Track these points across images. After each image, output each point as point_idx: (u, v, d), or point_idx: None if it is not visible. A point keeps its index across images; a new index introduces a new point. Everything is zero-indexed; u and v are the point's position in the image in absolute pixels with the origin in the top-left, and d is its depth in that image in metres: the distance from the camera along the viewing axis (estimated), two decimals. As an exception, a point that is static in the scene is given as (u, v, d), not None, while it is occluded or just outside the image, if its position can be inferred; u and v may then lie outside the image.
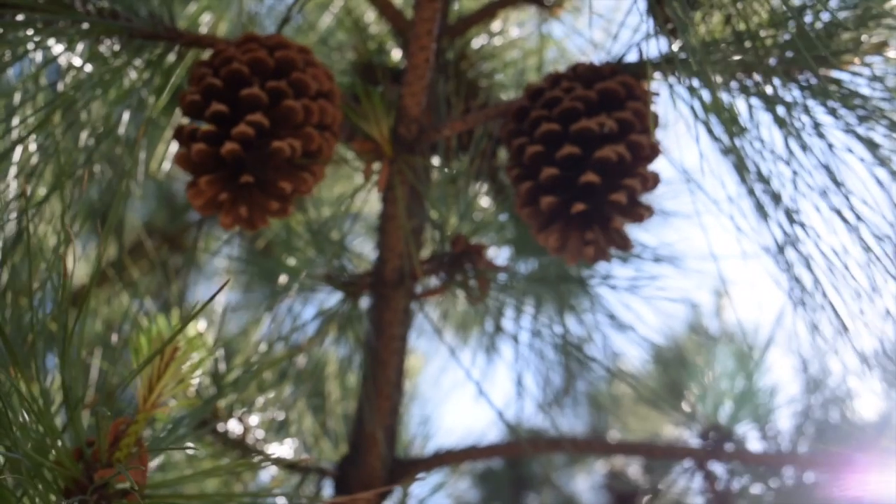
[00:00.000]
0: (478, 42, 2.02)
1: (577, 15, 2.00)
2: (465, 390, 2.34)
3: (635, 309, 2.20)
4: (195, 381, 1.88)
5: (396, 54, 2.06)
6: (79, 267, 2.53)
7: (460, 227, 1.82)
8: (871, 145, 1.49)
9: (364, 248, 2.10)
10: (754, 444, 2.17)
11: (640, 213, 1.47)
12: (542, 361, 2.36)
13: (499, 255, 2.24)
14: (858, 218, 1.54)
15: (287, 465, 2.03)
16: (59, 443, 1.09)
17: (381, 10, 1.90)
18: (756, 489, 2.15)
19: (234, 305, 2.40)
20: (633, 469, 3.42)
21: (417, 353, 3.15)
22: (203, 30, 2.01)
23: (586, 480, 3.83)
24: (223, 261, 2.22)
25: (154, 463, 1.83)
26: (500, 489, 3.64)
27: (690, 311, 2.65)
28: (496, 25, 2.03)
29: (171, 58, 1.62)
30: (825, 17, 1.50)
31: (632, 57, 1.56)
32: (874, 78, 1.47)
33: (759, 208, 1.59)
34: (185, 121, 1.51)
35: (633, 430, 3.52)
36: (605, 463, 3.55)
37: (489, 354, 2.31)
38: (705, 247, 1.62)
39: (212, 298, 1.10)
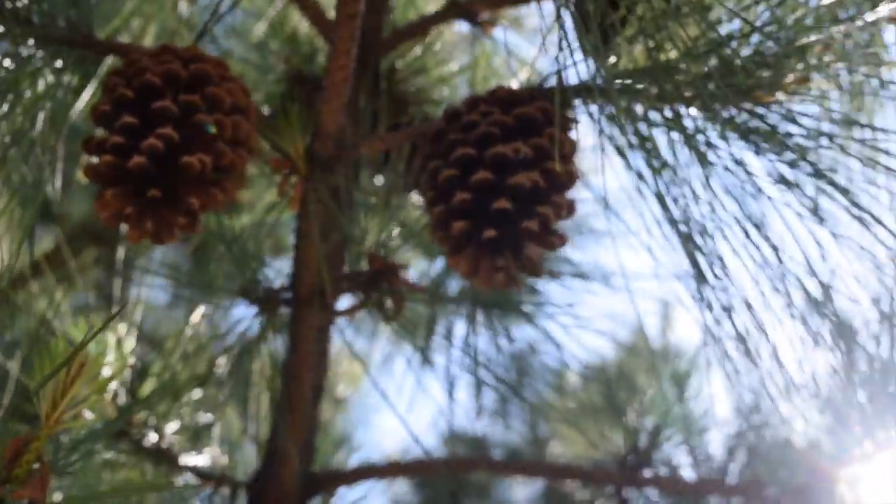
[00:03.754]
0: (409, 57, 2.01)
1: (508, 34, 1.98)
2: (402, 396, 2.32)
3: (564, 326, 2.19)
4: (107, 394, 1.87)
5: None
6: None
7: (391, 238, 1.82)
8: (787, 182, 1.49)
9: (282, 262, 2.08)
10: (678, 469, 2.16)
11: (552, 241, 1.45)
12: (472, 375, 2.35)
13: (431, 267, 2.23)
14: (776, 253, 1.54)
15: (201, 475, 2.02)
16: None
17: (313, 20, 1.88)
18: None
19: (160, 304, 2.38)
20: (571, 483, 3.41)
21: (357, 360, 3.12)
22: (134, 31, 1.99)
23: (524, 490, 3.83)
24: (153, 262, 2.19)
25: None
26: (439, 495, 3.62)
27: (619, 330, 2.65)
28: (428, 41, 2.01)
29: (88, 65, 1.59)
30: (746, 50, 1.49)
31: (553, 82, 1.55)
32: (788, 112, 1.47)
33: (677, 239, 1.59)
34: (100, 131, 1.49)
35: (573, 440, 3.50)
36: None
37: (419, 368, 2.29)
38: (632, 266, 1.62)
39: (111, 318, 1.08)
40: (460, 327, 2.20)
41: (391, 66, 1.98)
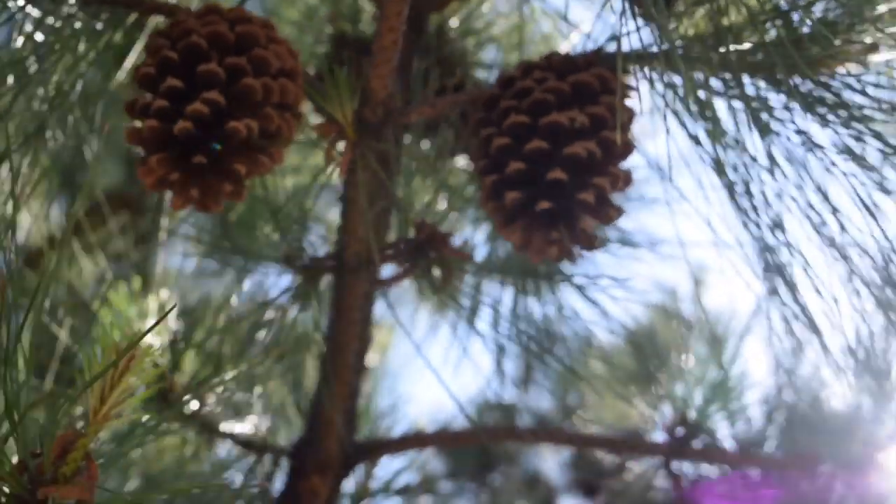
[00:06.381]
0: (457, 18, 1.95)
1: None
2: (441, 361, 2.28)
3: (610, 295, 2.14)
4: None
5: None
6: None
7: (437, 202, 1.78)
8: (851, 152, 1.44)
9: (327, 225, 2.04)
10: (719, 438, 2.12)
11: (608, 213, 1.41)
12: (515, 346, 2.31)
13: (476, 233, 2.18)
14: (842, 227, 1.49)
15: (243, 443, 2.00)
16: (2, 455, 1.04)
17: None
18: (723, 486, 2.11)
19: (198, 272, 2.35)
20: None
21: (386, 327, 3.07)
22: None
23: (554, 458, 3.79)
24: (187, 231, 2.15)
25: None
26: (466, 463, 3.60)
27: (665, 299, 2.59)
28: (476, 1, 1.96)
29: (131, 26, 1.55)
30: (814, 16, 1.43)
31: (610, 48, 1.50)
32: (856, 82, 1.41)
33: (738, 211, 1.54)
34: (142, 94, 1.45)
35: (604, 406, 3.45)
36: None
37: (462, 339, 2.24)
38: (682, 234, 1.58)
39: (159, 322, 1.05)
40: (505, 295, 2.16)
41: (439, 27, 1.92)
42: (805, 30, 1.42)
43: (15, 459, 1.05)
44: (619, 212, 1.42)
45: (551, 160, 1.38)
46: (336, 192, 2.14)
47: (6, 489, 1.04)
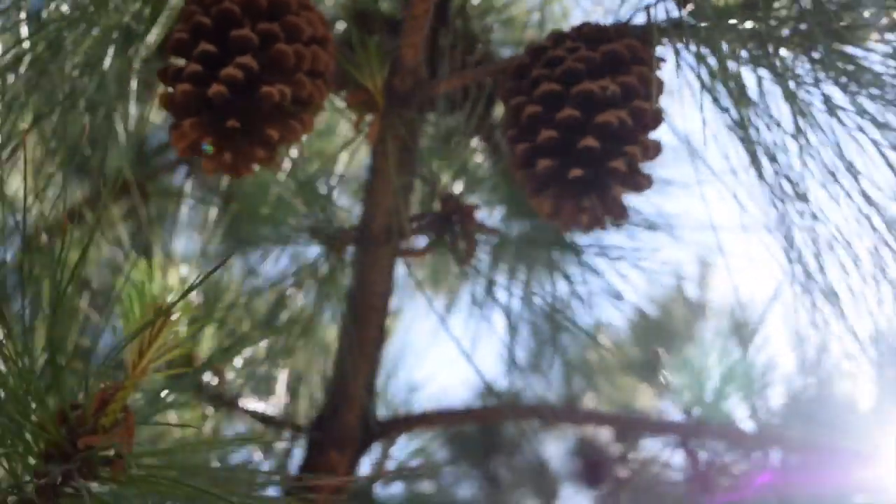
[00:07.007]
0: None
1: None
2: (445, 344, 2.28)
3: (626, 277, 2.14)
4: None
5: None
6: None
7: (453, 184, 1.78)
8: (883, 126, 1.44)
9: (348, 201, 2.04)
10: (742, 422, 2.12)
11: (639, 181, 1.41)
12: (529, 326, 2.32)
13: (492, 214, 2.18)
14: (867, 200, 1.49)
15: (262, 419, 1.99)
16: (42, 404, 1.05)
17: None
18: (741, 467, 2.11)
19: (217, 252, 2.35)
20: (605, 435, 3.36)
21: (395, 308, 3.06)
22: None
23: (558, 446, 3.78)
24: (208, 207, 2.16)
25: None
26: (470, 450, 3.59)
27: (683, 282, 2.60)
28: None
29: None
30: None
31: (639, 19, 1.50)
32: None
33: (764, 184, 1.54)
34: (175, 60, 1.45)
35: (607, 395, 3.45)
36: (577, 429, 3.49)
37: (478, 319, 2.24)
38: (702, 217, 1.57)
39: (210, 273, 1.06)
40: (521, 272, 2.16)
41: (462, 4, 1.92)
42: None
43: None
44: (649, 181, 1.42)
45: (583, 128, 1.38)
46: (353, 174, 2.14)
47: (47, 438, 1.05)
